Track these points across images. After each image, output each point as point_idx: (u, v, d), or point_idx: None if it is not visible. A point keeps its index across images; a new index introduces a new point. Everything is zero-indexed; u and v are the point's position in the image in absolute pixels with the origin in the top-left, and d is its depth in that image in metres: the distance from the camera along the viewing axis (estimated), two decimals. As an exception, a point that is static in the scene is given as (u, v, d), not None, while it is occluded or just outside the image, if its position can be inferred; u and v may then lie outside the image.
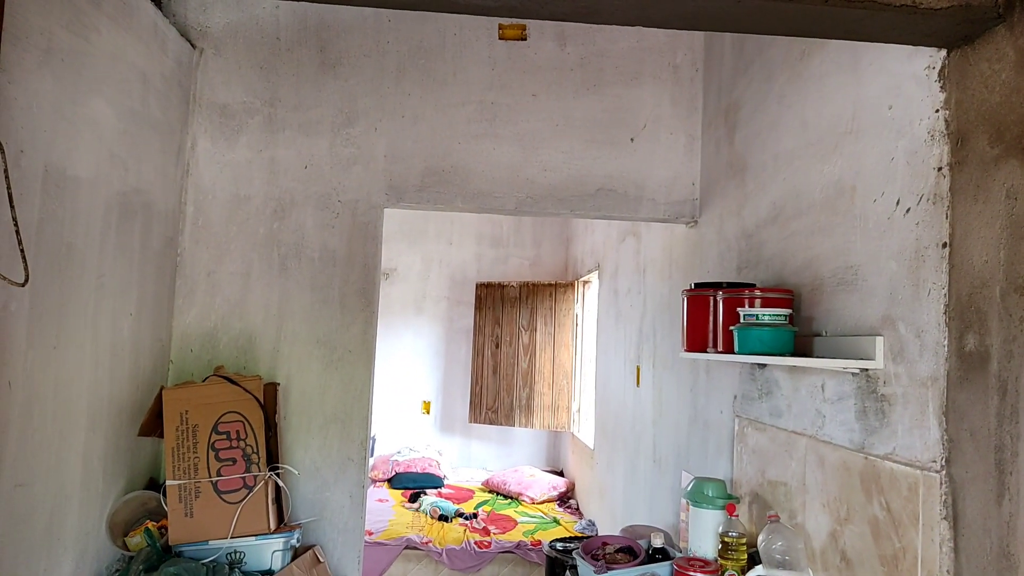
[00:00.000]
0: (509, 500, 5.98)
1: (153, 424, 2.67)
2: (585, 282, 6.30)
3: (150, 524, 2.59)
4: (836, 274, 1.97)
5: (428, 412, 6.98)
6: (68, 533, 2.26)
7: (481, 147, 3.07)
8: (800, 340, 2.08)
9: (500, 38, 3.07)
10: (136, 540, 2.55)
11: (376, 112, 3.06)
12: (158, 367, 2.85)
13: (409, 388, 6.95)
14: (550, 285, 6.53)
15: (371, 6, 1.41)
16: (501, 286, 6.64)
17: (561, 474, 6.66)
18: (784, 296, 2.11)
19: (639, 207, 3.09)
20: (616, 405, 4.63)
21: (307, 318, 3.01)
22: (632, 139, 3.11)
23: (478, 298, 6.71)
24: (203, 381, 2.77)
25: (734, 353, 2.16)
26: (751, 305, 2.11)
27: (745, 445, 2.51)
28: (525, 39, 3.08)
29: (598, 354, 5.37)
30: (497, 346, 6.56)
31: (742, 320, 2.10)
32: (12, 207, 1.45)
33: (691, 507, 2.41)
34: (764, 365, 2.36)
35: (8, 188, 1.42)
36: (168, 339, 2.93)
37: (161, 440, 2.68)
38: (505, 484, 6.14)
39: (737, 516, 2.26)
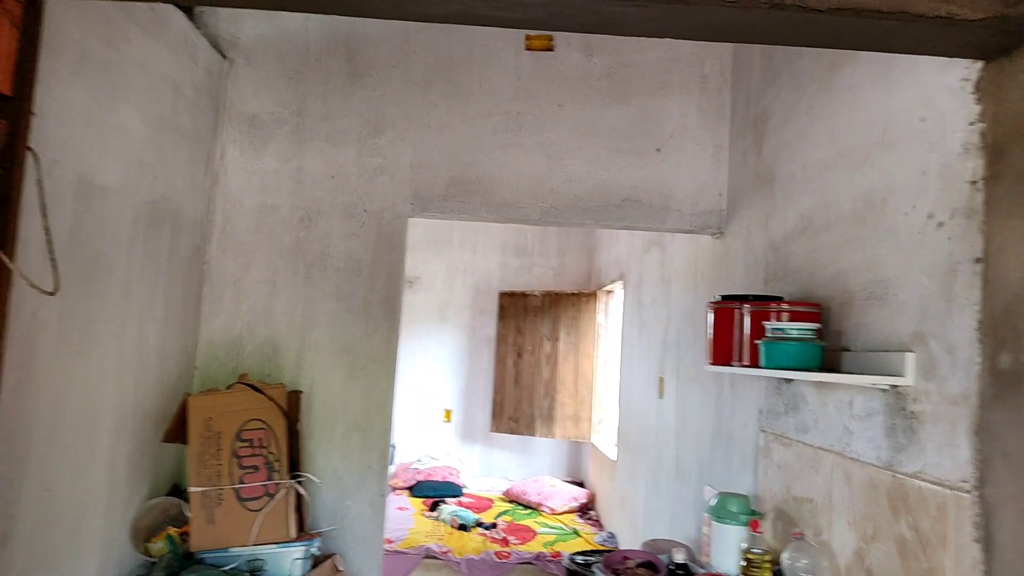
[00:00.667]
0: (529, 510, 5.95)
1: (178, 430, 2.69)
2: (609, 292, 6.27)
3: (172, 530, 2.61)
4: (866, 288, 1.94)
5: (449, 420, 6.98)
6: (92, 538, 2.28)
7: (506, 157, 3.08)
8: (828, 354, 2.05)
9: (527, 49, 3.07)
10: (158, 546, 2.57)
11: (403, 122, 3.07)
12: (183, 374, 2.88)
13: (431, 396, 6.96)
14: (573, 295, 6.51)
15: (400, 19, 1.42)
16: (524, 295, 6.63)
17: (582, 485, 6.62)
18: (812, 310, 2.07)
19: (665, 218, 3.07)
20: (638, 417, 4.59)
21: (331, 326, 3.02)
22: (658, 149, 3.09)
23: (501, 307, 6.71)
24: (228, 388, 2.79)
25: (760, 367, 2.13)
26: (778, 319, 2.08)
27: (770, 460, 2.47)
28: (552, 50, 3.08)
29: (621, 365, 5.34)
30: (519, 355, 6.55)
31: (769, 334, 2.07)
32: (45, 217, 1.47)
33: (714, 522, 2.38)
34: (790, 380, 2.33)
35: (42, 199, 1.44)
36: (194, 346, 2.96)
37: (185, 446, 2.70)
38: (525, 494, 6.11)
39: (761, 532, 2.22)
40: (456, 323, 7.02)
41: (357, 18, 3.05)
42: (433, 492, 6.13)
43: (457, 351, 7.01)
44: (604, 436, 6.19)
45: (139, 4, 2.17)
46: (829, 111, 2.21)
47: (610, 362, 6.19)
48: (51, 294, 1.44)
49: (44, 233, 1.47)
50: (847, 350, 2.00)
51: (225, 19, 3.04)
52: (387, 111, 3.07)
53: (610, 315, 6.29)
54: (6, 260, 1.24)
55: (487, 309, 6.95)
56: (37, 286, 1.39)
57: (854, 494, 1.91)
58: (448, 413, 6.98)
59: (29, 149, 1.37)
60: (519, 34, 3.10)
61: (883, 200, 1.88)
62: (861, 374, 1.86)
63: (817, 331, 2.02)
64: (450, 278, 7.02)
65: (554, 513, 5.87)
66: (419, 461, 6.59)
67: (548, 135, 3.09)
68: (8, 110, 1.36)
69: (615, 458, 5.37)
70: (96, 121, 2.08)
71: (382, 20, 3.08)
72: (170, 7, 2.50)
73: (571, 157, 3.08)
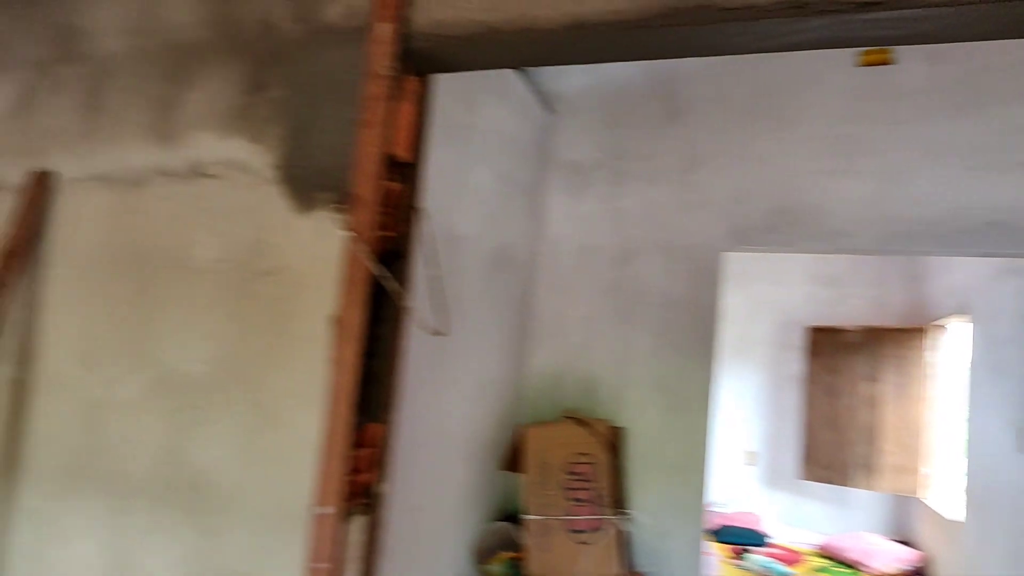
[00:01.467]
0: (847, 569, 5.37)
1: (513, 459, 2.88)
2: (943, 327, 5.52)
3: (509, 555, 2.77)
4: None
5: (752, 463, 6.61)
6: (444, 554, 2.51)
7: (834, 183, 2.87)
8: None
9: (861, 64, 2.85)
10: (494, 568, 2.75)
11: (719, 155, 3.03)
12: (513, 405, 3.08)
13: (732, 436, 6.66)
14: (897, 330, 5.83)
15: (762, 52, 1.38)
16: (837, 330, 6.10)
17: (910, 545, 5.83)
18: None
19: (1042, 242, 2.62)
20: (993, 473, 3.93)
21: (647, 363, 3.04)
22: (1030, 163, 2.65)
23: (811, 343, 6.23)
24: (556, 422, 2.93)
25: None
26: None
27: None
28: (890, 63, 2.82)
29: (969, 412, 4.63)
30: (833, 396, 6.02)
31: None
32: (437, 267, 1.67)
33: None
34: None
35: (434, 252, 1.64)
36: (521, 379, 3.16)
37: (514, 474, 2.87)
38: (843, 550, 5.54)
39: None
40: (757, 360, 6.65)
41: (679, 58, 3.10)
42: (737, 539, 5.83)
43: (759, 389, 6.64)
44: (939, 491, 5.41)
45: (490, 71, 2.40)
46: None
47: (947, 407, 5.41)
48: (444, 335, 1.62)
49: (434, 282, 1.67)
50: None
51: (551, 75, 3.26)
52: (703, 146, 3.05)
53: (946, 353, 5.52)
54: (410, 307, 1.43)
55: (792, 345, 6.49)
56: (433, 329, 1.57)
57: None
58: (751, 455, 6.62)
59: (418, 208, 1.57)
60: (847, 53, 2.88)
61: None
62: None
63: None
64: (751, 312, 6.69)
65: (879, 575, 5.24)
66: (720, 504, 6.33)
67: (884, 156, 2.82)
68: (409, 175, 1.57)
69: (959, 518, 4.64)
70: (458, 179, 2.35)
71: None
72: (509, 70, 2.75)
73: (913, 178, 2.77)
